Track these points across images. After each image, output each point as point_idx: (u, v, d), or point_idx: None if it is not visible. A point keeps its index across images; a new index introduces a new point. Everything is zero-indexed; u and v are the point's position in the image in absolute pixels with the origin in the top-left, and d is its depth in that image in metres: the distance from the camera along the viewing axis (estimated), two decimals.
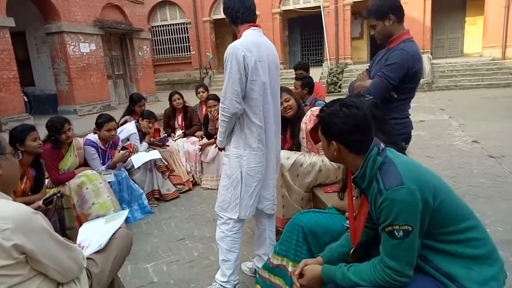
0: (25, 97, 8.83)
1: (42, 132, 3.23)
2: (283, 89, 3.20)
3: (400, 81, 2.32)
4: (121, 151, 3.86)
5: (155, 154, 4.30)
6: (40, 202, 2.30)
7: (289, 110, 3.05)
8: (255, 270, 2.59)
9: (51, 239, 1.40)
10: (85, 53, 9.98)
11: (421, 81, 13.84)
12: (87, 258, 1.65)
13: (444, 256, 1.38)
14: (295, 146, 3.08)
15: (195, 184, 4.83)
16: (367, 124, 1.42)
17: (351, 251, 1.60)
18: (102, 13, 10.61)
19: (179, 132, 5.34)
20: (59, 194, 2.42)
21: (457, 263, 1.36)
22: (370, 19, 2.36)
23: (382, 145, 1.45)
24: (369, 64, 2.75)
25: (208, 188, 4.66)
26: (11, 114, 7.84)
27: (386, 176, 1.36)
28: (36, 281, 1.39)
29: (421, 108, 9.56)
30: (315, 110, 2.92)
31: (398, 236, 1.30)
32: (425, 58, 14.75)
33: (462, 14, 17.08)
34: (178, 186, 4.55)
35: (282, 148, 3.24)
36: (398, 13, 2.31)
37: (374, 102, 1.93)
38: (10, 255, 1.27)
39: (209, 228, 3.47)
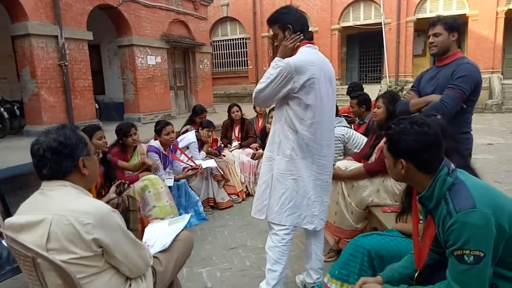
0: (96, 104, 9.57)
1: (110, 137, 3.47)
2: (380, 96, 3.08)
3: (468, 93, 2.43)
4: (190, 171, 4.13)
5: (212, 163, 4.45)
6: (114, 195, 2.47)
7: (375, 117, 2.94)
8: (305, 285, 2.58)
9: (125, 236, 1.51)
10: (151, 65, 10.61)
11: (490, 102, 13.13)
12: (153, 257, 1.75)
13: None
14: (367, 156, 2.96)
15: (248, 195, 4.90)
16: (438, 143, 1.38)
17: (416, 274, 1.54)
18: (169, 28, 11.26)
19: (235, 143, 5.48)
20: (126, 185, 2.58)
21: None
22: (439, 26, 2.52)
23: (453, 165, 1.40)
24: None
25: None
26: (84, 119, 8.52)
27: (457, 198, 1.31)
28: (108, 274, 1.50)
29: (489, 130, 8.94)
30: None
31: (468, 261, 1.24)
32: (495, 78, 13.82)
33: None
34: (232, 196, 4.66)
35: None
36: (460, 35, 2.59)
37: (449, 121, 1.88)
38: (90, 247, 1.39)
39: (261, 239, 3.50)
